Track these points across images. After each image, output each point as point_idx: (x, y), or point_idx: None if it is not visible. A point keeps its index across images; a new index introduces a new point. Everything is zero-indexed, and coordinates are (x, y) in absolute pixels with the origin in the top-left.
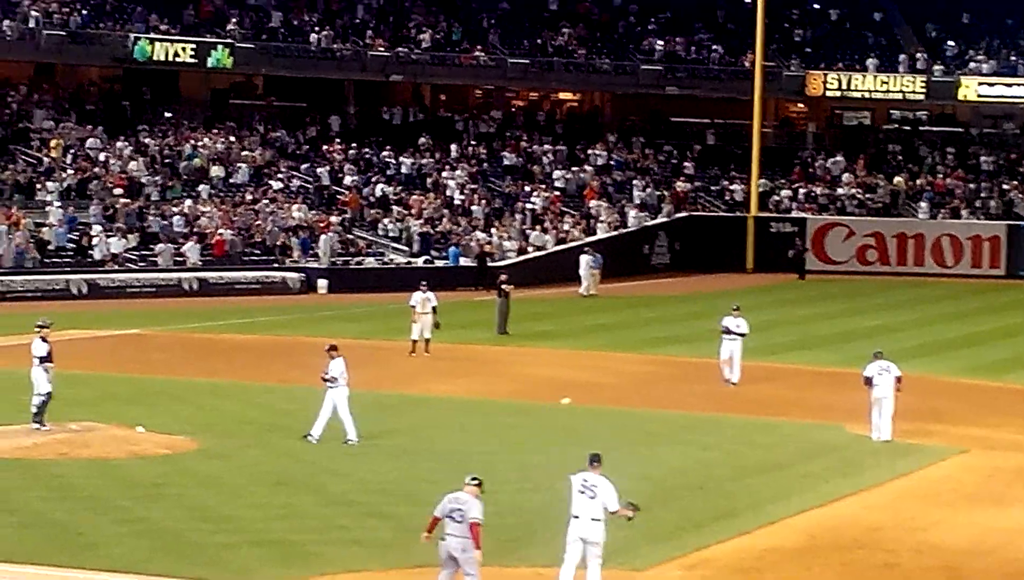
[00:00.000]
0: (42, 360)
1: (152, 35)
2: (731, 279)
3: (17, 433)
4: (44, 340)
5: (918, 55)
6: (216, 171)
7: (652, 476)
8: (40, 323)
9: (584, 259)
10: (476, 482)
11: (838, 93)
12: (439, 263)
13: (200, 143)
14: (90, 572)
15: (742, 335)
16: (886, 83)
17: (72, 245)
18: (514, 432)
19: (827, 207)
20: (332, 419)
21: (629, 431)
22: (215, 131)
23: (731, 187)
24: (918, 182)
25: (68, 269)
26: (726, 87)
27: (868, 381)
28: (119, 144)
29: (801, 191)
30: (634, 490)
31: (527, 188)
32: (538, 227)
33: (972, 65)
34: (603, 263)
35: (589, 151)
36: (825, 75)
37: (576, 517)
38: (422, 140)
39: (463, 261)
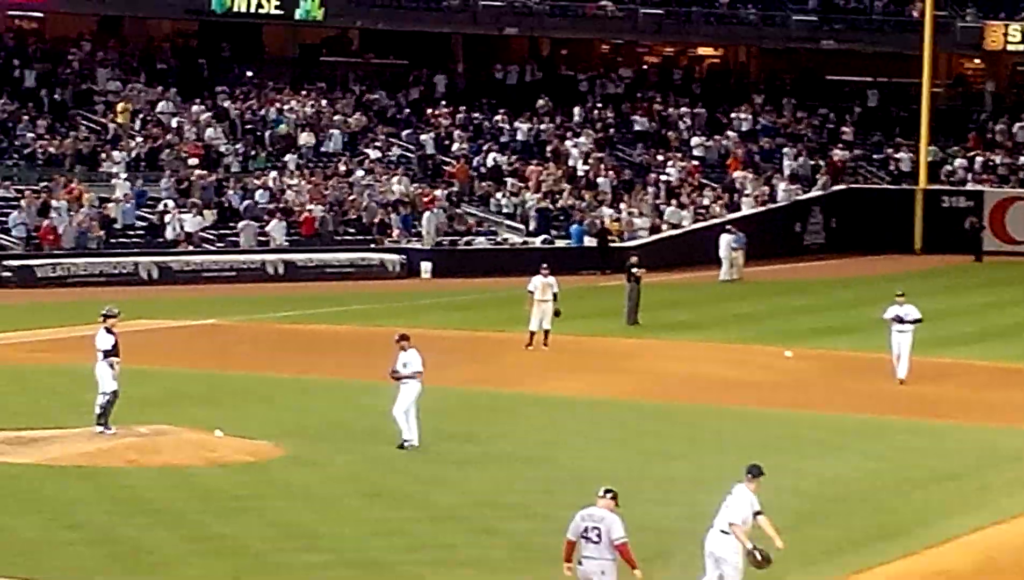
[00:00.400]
0: (107, 354)
1: None
2: (896, 261)
3: (80, 437)
4: (110, 331)
5: None
6: (305, 139)
7: (805, 488)
8: (105, 312)
9: (725, 239)
10: (611, 494)
11: (1021, 47)
12: (560, 243)
13: (287, 107)
14: None
15: (916, 322)
16: None
17: (141, 223)
18: (646, 438)
19: (1008, 178)
20: (412, 419)
21: (779, 436)
22: (304, 93)
23: (896, 156)
24: None
25: (137, 250)
26: (890, 40)
27: None
28: (194, 108)
29: (978, 160)
30: (784, 505)
31: (661, 157)
32: (674, 202)
33: None
34: (747, 243)
35: (732, 115)
36: (1006, 26)
37: (711, 528)
38: (540, 102)
39: (587, 241)
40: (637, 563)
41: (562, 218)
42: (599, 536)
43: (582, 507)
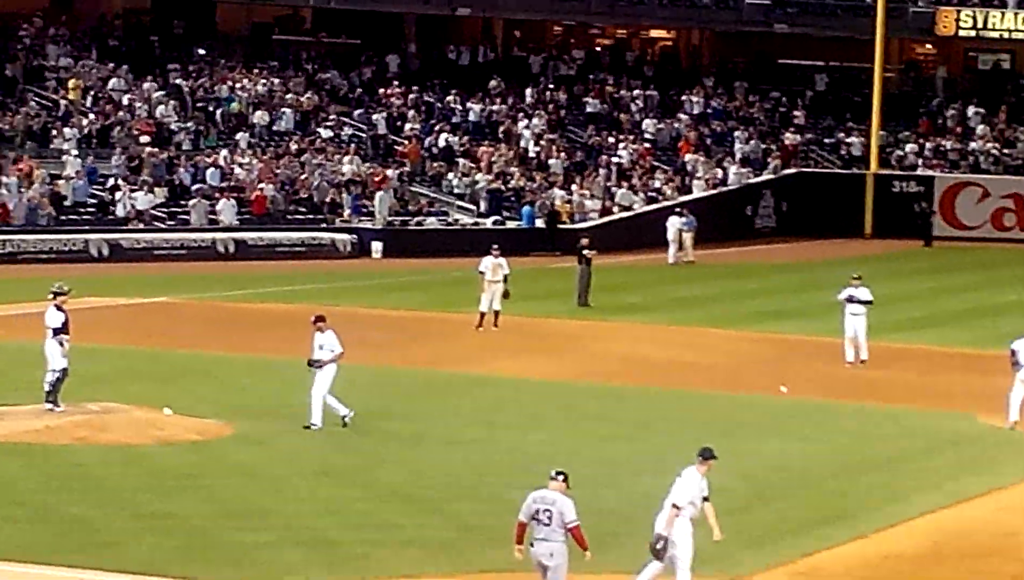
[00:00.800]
0: (56, 332)
1: None
2: (846, 246)
3: (28, 414)
4: (59, 309)
5: None
6: (257, 117)
7: (753, 471)
8: (55, 289)
9: (673, 221)
10: (563, 477)
11: (972, 32)
12: (511, 225)
13: (239, 85)
14: (108, 574)
15: (867, 303)
16: None
17: (92, 201)
18: (594, 420)
19: (958, 164)
20: (325, 401)
21: (727, 419)
22: (256, 71)
23: (848, 140)
24: None
25: (87, 228)
26: (843, 24)
27: (1014, 357)
28: (146, 85)
29: (928, 145)
30: (731, 488)
31: (612, 139)
32: (625, 184)
33: None
34: (698, 226)
35: (684, 97)
36: (958, 11)
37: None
38: (493, 83)
39: (538, 222)
40: (587, 546)
41: (513, 199)
42: (550, 518)
43: (533, 489)
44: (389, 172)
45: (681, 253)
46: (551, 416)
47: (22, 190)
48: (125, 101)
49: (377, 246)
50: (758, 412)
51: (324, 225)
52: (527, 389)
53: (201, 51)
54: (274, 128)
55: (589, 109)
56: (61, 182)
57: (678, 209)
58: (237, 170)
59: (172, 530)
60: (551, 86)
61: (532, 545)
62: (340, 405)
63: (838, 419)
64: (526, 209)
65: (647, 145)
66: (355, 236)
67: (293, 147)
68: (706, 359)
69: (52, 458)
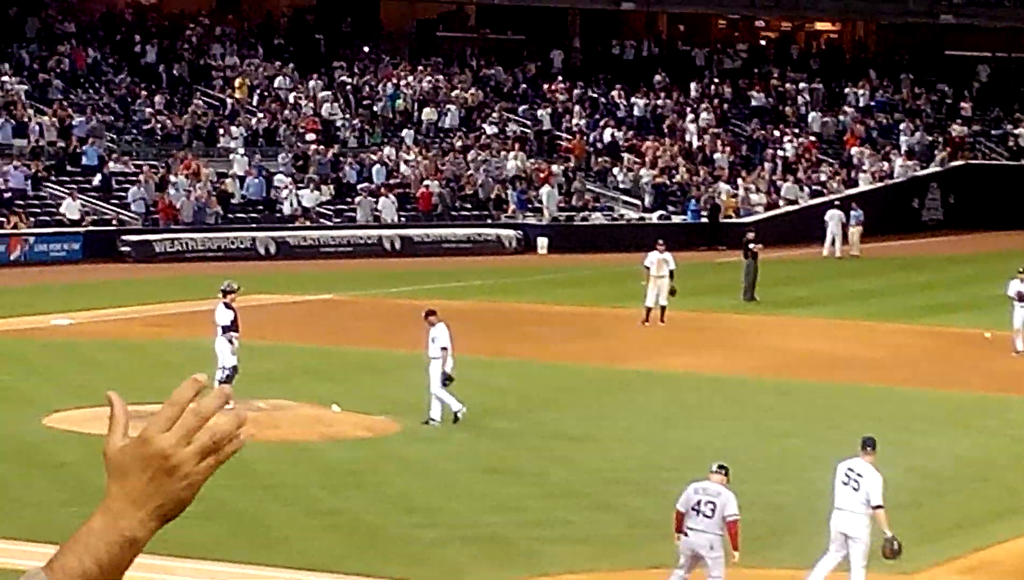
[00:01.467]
0: (226, 329)
1: None
2: (1015, 238)
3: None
4: (229, 306)
5: None
6: (422, 114)
7: (925, 467)
8: (224, 287)
9: (832, 214)
10: (724, 470)
11: None
12: (675, 219)
13: (404, 82)
14: (279, 569)
15: None
16: None
17: (259, 199)
18: (764, 414)
19: None
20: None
21: (898, 414)
22: (421, 68)
23: (1015, 131)
24: None
25: (254, 225)
26: (1011, 14)
27: None
28: (311, 83)
29: None
30: (904, 482)
31: (777, 133)
32: (790, 178)
33: None
34: (864, 219)
35: (849, 90)
36: None
37: (839, 509)
38: (657, 78)
39: (703, 217)
40: (739, 546)
41: (679, 194)
42: (712, 510)
43: (695, 480)
44: (554, 168)
45: (847, 247)
46: (720, 411)
47: (190, 189)
48: (291, 99)
49: (543, 242)
50: (928, 406)
51: (489, 221)
52: (695, 384)
53: (366, 48)
54: (439, 125)
55: (754, 103)
56: (228, 180)
57: (837, 202)
58: (402, 167)
59: (342, 526)
60: (716, 80)
61: (687, 535)
62: (453, 400)
63: (1012, 413)
64: (691, 203)
65: (812, 138)
66: (520, 232)
67: (458, 144)
68: (874, 353)
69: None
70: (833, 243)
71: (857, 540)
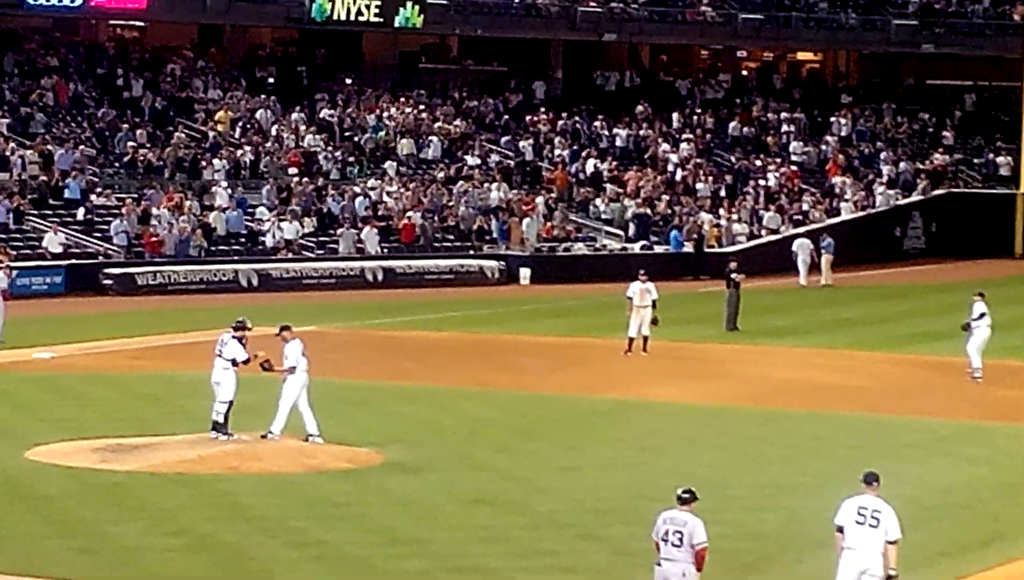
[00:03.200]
0: (235, 363)
1: None
2: (997, 266)
3: (181, 444)
4: (240, 342)
5: None
6: (404, 146)
7: (907, 494)
8: (238, 323)
9: (800, 243)
10: (688, 495)
11: None
12: (658, 249)
13: (386, 114)
14: None
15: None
16: None
17: (242, 231)
18: (747, 443)
19: None
20: (296, 414)
21: (882, 442)
22: (403, 100)
23: (997, 160)
24: None
25: (236, 258)
26: (992, 44)
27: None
28: (294, 116)
29: None
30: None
31: (760, 163)
32: (772, 207)
33: None
34: (836, 249)
35: (832, 119)
36: None
37: (852, 549)
38: (639, 108)
39: (687, 247)
40: (702, 569)
41: (661, 224)
42: (680, 539)
43: (664, 509)
44: (537, 199)
45: (818, 277)
46: (705, 440)
47: (172, 222)
48: (273, 132)
49: (525, 273)
50: (912, 434)
51: (472, 252)
52: (679, 414)
53: (348, 81)
54: (421, 156)
55: (736, 133)
56: (211, 213)
57: (804, 233)
58: (385, 199)
59: (325, 558)
60: (698, 110)
61: (660, 564)
62: (312, 420)
63: (995, 441)
64: (673, 233)
65: (794, 168)
66: (503, 263)
67: (440, 175)
68: (857, 382)
69: (204, 487)
70: (806, 273)
71: (876, 577)
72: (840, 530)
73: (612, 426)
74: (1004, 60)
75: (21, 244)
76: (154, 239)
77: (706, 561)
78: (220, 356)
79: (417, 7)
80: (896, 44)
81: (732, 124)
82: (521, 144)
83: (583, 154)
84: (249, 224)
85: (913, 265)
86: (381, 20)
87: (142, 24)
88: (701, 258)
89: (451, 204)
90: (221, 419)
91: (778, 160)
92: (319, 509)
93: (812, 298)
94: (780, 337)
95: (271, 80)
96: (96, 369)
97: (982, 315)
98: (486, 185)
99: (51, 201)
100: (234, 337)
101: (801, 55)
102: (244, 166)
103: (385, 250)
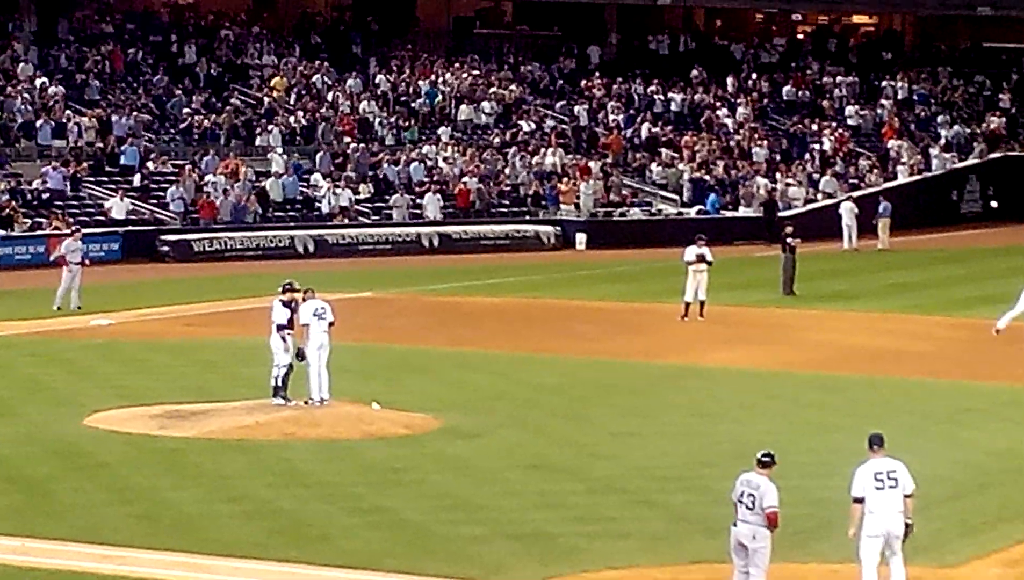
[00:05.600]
0: (280, 327)
1: None
2: None
3: (238, 411)
4: (287, 305)
5: None
6: (459, 111)
7: (968, 459)
8: (286, 285)
9: (846, 207)
10: (768, 459)
11: None
12: (727, 214)
13: (440, 79)
14: (321, 568)
15: None
16: None
17: (298, 197)
18: (805, 408)
19: None
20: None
21: (940, 407)
22: (457, 65)
23: None
24: None
25: (292, 224)
26: None
27: None
28: (348, 82)
29: None
30: (946, 475)
31: (815, 127)
32: (828, 171)
33: None
34: (891, 212)
35: (887, 83)
36: None
37: (873, 513)
38: (694, 72)
39: (743, 211)
40: (774, 529)
41: (717, 189)
42: (753, 502)
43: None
44: (592, 164)
45: (869, 241)
46: (763, 405)
47: (228, 188)
48: (328, 98)
49: (581, 238)
50: (970, 398)
51: (528, 218)
52: (737, 379)
53: (403, 46)
54: (476, 122)
55: (791, 97)
56: (267, 180)
57: (852, 197)
58: (440, 164)
59: (384, 524)
60: (753, 74)
61: (735, 525)
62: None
63: None
64: (712, 197)
65: (849, 132)
66: (559, 228)
67: (495, 140)
68: (915, 346)
69: (263, 454)
70: (850, 237)
71: (899, 536)
72: (858, 500)
73: (669, 392)
74: None
75: (77, 211)
76: (208, 206)
77: (777, 523)
78: (272, 321)
79: None
80: (952, 6)
81: (787, 88)
82: (576, 109)
83: (638, 119)
84: (304, 190)
85: (970, 229)
86: None
87: None
88: (773, 223)
89: (506, 169)
90: (278, 384)
91: (834, 124)
92: (377, 475)
93: (869, 262)
94: (837, 301)
95: (326, 46)
96: (153, 336)
97: None
98: (541, 150)
99: (107, 168)
100: (280, 300)
101: (856, 18)
102: (299, 132)
103: (441, 216)
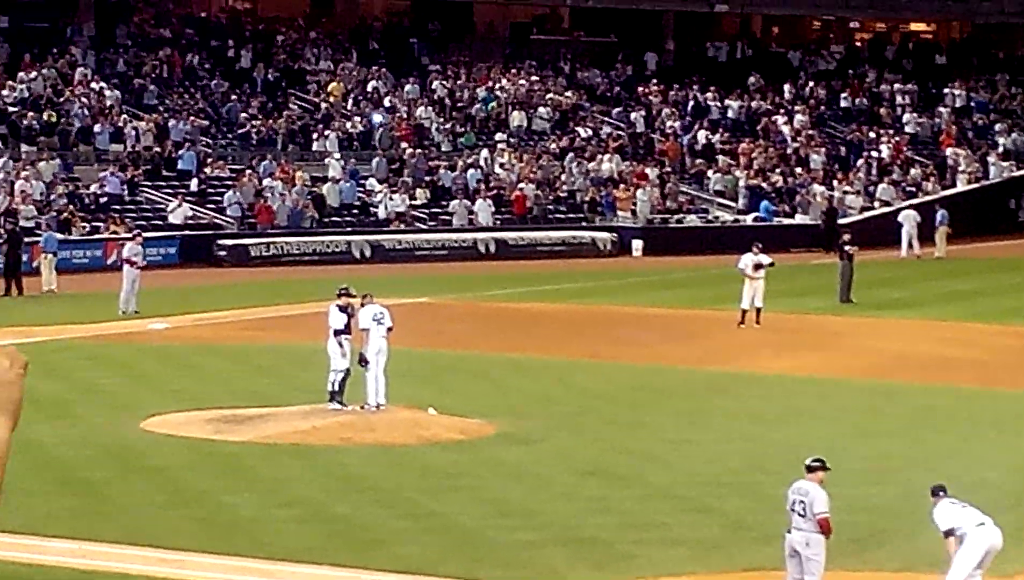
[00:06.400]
0: (338, 332)
1: None
2: None
3: (294, 415)
4: (343, 310)
5: None
6: (516, 117)
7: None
8: (342, 290)
9: (907, 214)
10: (818, 464)
11: None
12: (785, 221)
13: (498, 85)
14: (375, 573)
15: None
16: None
17: (355, 202)
18: (861, 416)
19: None
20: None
21: (998, 415)
22: (514, 71)
23: None
24: None
25: (349, 229)
26: None
27: None
28: (406, 87)
29: None
30: (1004, 484)
31: (872, 134)
32: (885, 179)
33: None
34: (948, 220)
35: (945, 91)
36: None
37: (983, 524)
38: (751, 80)
39: (799, 218)
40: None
41: (773, 196)
42: (804, 510)
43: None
44: (649, 170)
45: (930, 249)
46: (819, 412)
47: (284, 193)
48: (385, 103)
49: (637, 244)
50: None
51: (584, 224)
52: (793, 386)
53: (460, 52)
54: (532, 128)
55: (848, 104)
56: (324, 185)
57: (912, 205)
58: (497, 170)
59: (438, 529)
60: (810, 82)
61: (789, 532)
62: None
63: None
64: (764, 204)
65: (898, 139)
66: (615, 234)
67: (552, 146)
68: (972, 354)
69: (318, 459)
70: (911, 244)
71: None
72: (950, 533)
73: (725, 398)
74: None
75: (135, 215)
76: (266, 211)
77: (829, 528)
78: (329, 326)
79: None
80: (1010, 14)
81: (844, 95)
82: (632, 116)
83: (695, 126)
84: (361, 195)
85: None
86: None
87: None
88: (833, 231)
89: (563, 175)
90: (334, 388)
91: (891, 131)
92: (432, 480)
93: (926, 270)
94: (894, 309)
95: (383, 51)
96: (210, 340)
97: None
98: (598, 157)
99: (164, 172)
100: (337, 305)
101: (914, 25)
102: (356, 137)
103: (497, 222)
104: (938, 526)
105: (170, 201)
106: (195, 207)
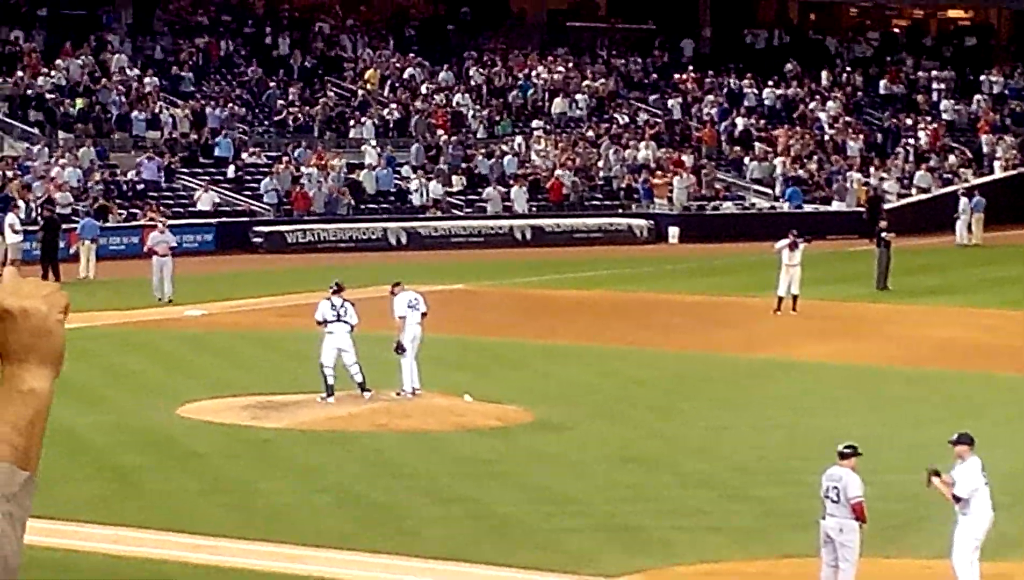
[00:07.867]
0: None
1: None
2: None
3: (328, 402)
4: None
5: None
6: (552, 104)
7: None
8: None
9: (965, 202)
10: (850, 450)
11: None
12: (807, 208)
13: (534, 72)
14: (411, 558)
15: None
16: None
17: (392, 189)
18: (898, 403)
19: None
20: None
21: None
22: (551, 58)
23: None
24: None
25: (385, 216)
26: None
27: None
28: (442, 74)
29: None
30: None
31: (910, 121)
32: (923, 166)
33: None
34: (986, 207)
35: (982, 77)
36: None
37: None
38: (788, 66)
39: (836, 205)
40: (865, 520)
41: (811, 183)
42: (838, 495)
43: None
44: (685, 157)
45: (969, 235)
46: (855, 400)
47: (321, 180)
48: (422, 90)
49: (674, 231)
50: None
51: (621, 211)
52: (830, 373)
53: (496, 39)
54: (569, 115)
55: (885, 91)
56: (361, 172)
57: (965, 191)
58: (533, 157)
59: (473, 516)
60: (847, 68)
61: (824, 519)
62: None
63: None
64: (792, 190)
65: (935, 126)
66: (652, 221)
67: (589, 133)
68: (1010, 341)
69: (354, 445)
70: (969, 229)
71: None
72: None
73: (762, 386)
74: None
75: (172, 202)
76: (302, 198)
77: (864, 512)
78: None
79: None
80: None
81: (882, 82)
82: (669, 103)
83: (732, 113)
84: (397, 182)
85: None
86: None
87: None
88: (876, 218)
89: (599, 162)
90: (360, 379)
91: (928, 118)
92: (468, 467)
93: (963, 257)
94: (931, 296)
95: (420, 39)
96: (246, 327)
97: None
98: (634, 143)
99: (201, 159)
100: (327, 299)
101: (952, 12)
102: (392, 124)
103: (534, 208)
104: (965, 482)
105: (199, 188)
106: (231, 194)
